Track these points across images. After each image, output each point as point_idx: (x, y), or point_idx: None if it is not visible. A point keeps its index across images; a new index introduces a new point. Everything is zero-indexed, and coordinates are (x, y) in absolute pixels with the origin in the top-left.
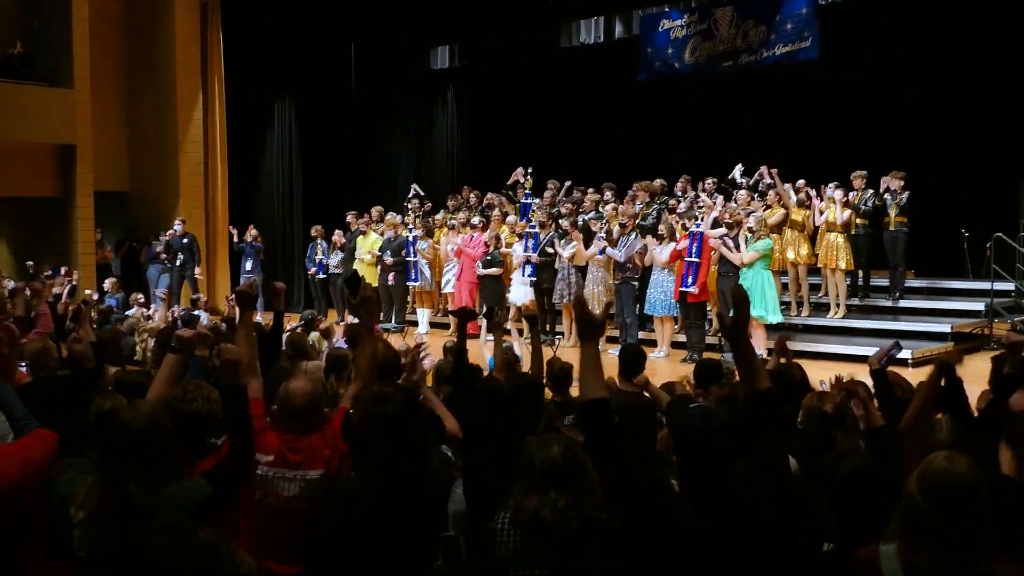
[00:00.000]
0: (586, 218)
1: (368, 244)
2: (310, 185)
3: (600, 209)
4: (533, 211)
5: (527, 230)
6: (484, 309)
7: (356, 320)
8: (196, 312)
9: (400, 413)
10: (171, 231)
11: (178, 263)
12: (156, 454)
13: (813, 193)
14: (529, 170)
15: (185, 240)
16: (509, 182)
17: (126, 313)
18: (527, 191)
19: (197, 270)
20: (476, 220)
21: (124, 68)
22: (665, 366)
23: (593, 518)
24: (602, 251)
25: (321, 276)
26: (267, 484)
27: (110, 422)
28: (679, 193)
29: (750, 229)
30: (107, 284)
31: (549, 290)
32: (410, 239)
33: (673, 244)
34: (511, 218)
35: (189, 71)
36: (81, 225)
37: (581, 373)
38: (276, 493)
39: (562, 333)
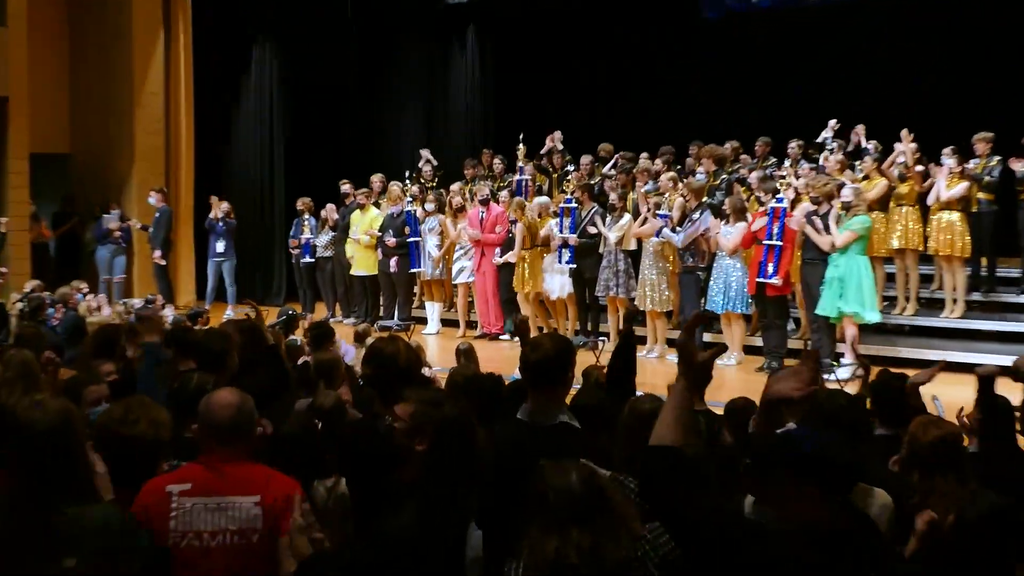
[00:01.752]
0: (643, 190)
1: (366, 222)
2: (295, 148)
3: (656, 182)
4: (568, 181)
5: (563, 205)
6: (506, 324)
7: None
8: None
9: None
10: (154, 202)
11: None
12: (61, 465)
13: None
14: (556, 139)
15: (158, 215)
16: (543, 151)
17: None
18: (521, 165)
19: (157, 253)
20: (484, 193)
21: (68, 2)
22: (736, 377)
23: (628, 561)
24: (658, 233)
25: (307, 260)
26: (185, 520)
27: (9, 422)
28: (754, 160)
29: (845, 205)
30: (28, 286)
31: (592, 280)
32: (416, 213)
33: (743, 224)
34: (541, 199)
35: (147, 6)
36: (13, 195)
37: (663, 414)
38: (198, 531)
39: (607, 335)
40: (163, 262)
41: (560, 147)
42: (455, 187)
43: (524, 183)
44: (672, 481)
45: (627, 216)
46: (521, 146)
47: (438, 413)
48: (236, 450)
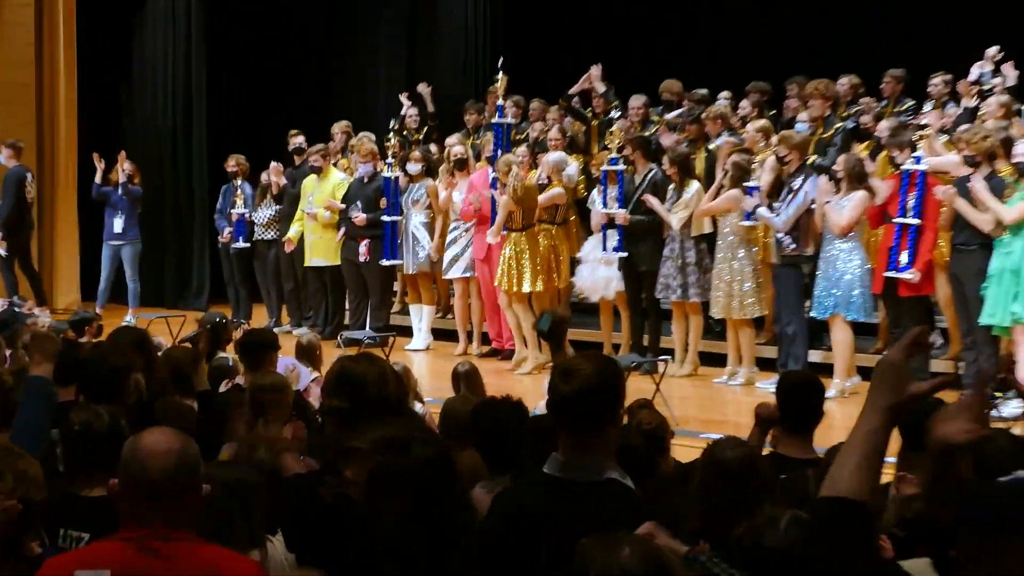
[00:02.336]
0: (721, 143)
1: (326, 191)
2: (223, 86)
3: (739, 132)
4: (611, 133)
5: (606, 167)
6: (542, 319)
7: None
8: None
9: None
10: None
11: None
12: None
13: None
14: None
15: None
16: (574, 90)
17: None
18: (500, 104)
19: None
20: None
21: None
22: (847, 411)
23: None
24: (751, 213)
25: (240, 245)
26: None
27: None
28: (881, 103)
29: (1020, 168)
30: None
31: (650, 275)
32: (395, 179)
33: (862, 195)
34: (553, 156)
35: None
36: None
37: (844, 456)
38: None
39: (670, 352)
40: (2, 252)
41: (601, 87)
42: (453, 140)
43: (503, 131)
44: (851, 548)
45: (694, 186)
46: (500, 76)
47: (407, 462)
48: (176, 517)
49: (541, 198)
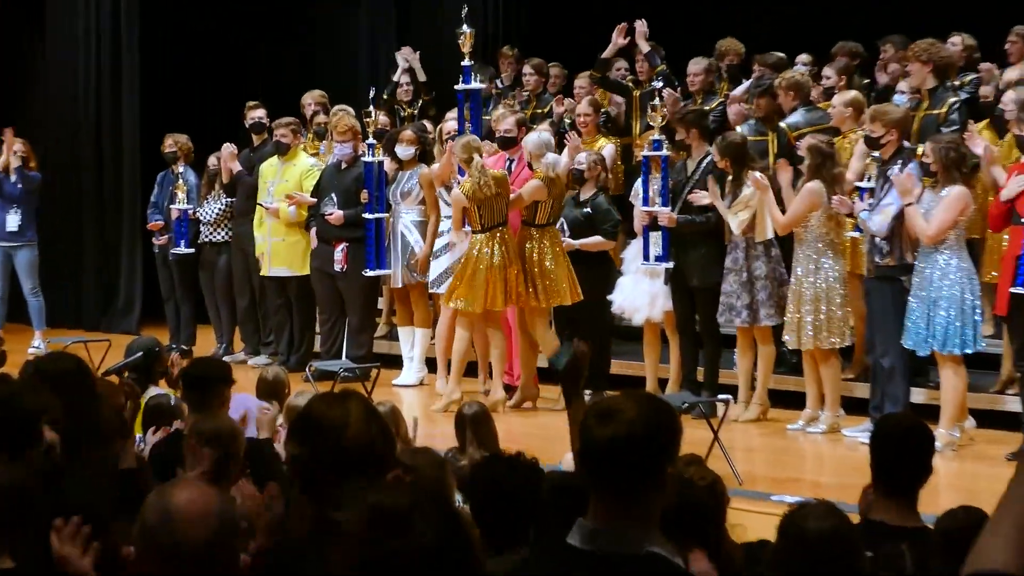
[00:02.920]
0: (798, 115)
1: (291, 179)
2: (162, 48)
3: (822, 105)
4: (652, 108)
5: (647, 152)
6: (558, 354)
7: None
8: None
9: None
10: None
11: None
12: None
13: None
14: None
15: None
16: (608, 52)
17: None
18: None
19: None
20: (509, 124)
21: None
22: (957, 468)
23: None
24: (856, 216)
25: (181, 250)
26: None
27: None
28: (1002, 69)
29: None
30: None
31: (704, 292)
32: (379, 164)
33: (960, 191)
34: (535, 136)
35: None
36: None
37: (996, 522)
38: None
39: (733, 390)
40: None
41: (645, 46)
42: (452, 115)
43: (468, 101)
44: None
45: (745, 190)
46: (465, 30)
47: (408, 545)
48: None
49: (524, 192)
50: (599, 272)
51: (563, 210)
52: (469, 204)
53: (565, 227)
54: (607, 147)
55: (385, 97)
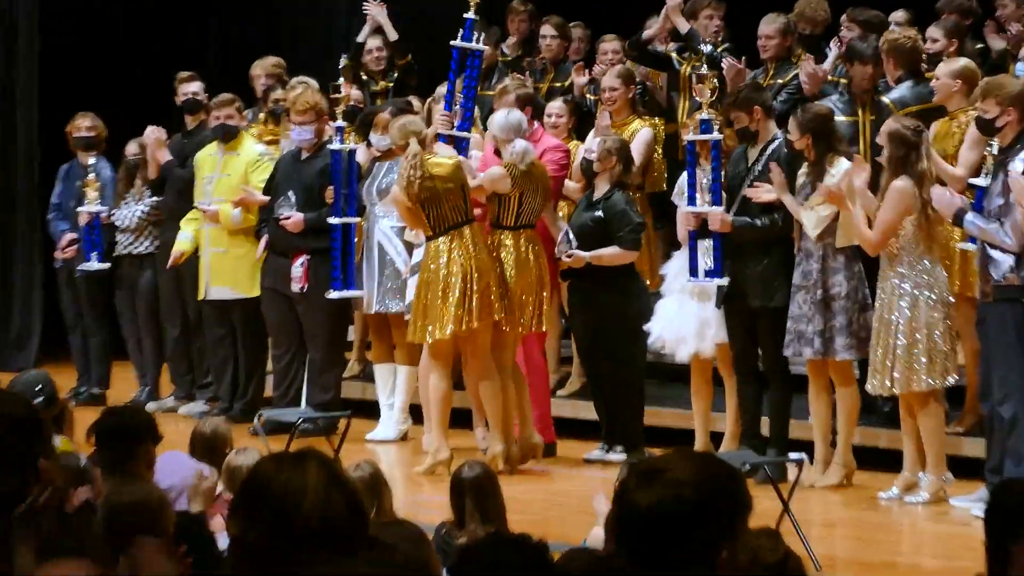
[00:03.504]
0: (904, 89)
1: (236, 171)
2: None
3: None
4: (702, 80)
5: (692, 136)
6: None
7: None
8: None
9: None
10: None
11: None
12: None
13: None
14: None
15: None
16: (650, 32)
17: None
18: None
19: None
20: (509, 100)
21: None
22: None
23: None
24: (958, 220)
25: (93, 265)
26: None
27: None
28: None
29: None
30: None
31: (769, 316)
32: (348, 152)
33: None
34: (644, 132)
35: None
36: None
37: None
38: None
39: (806, 447)
40: None
41: (683, 24)
42: (444, 90)
43: (464, 59)
44: None
45: (843, 166)
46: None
47: None
48: None
49: (476, 184)
50: (623, 293)
51: (573, 214)
52: (412, 204)
53: (571, 236)
54: (642, 131)
55: (346, 63)
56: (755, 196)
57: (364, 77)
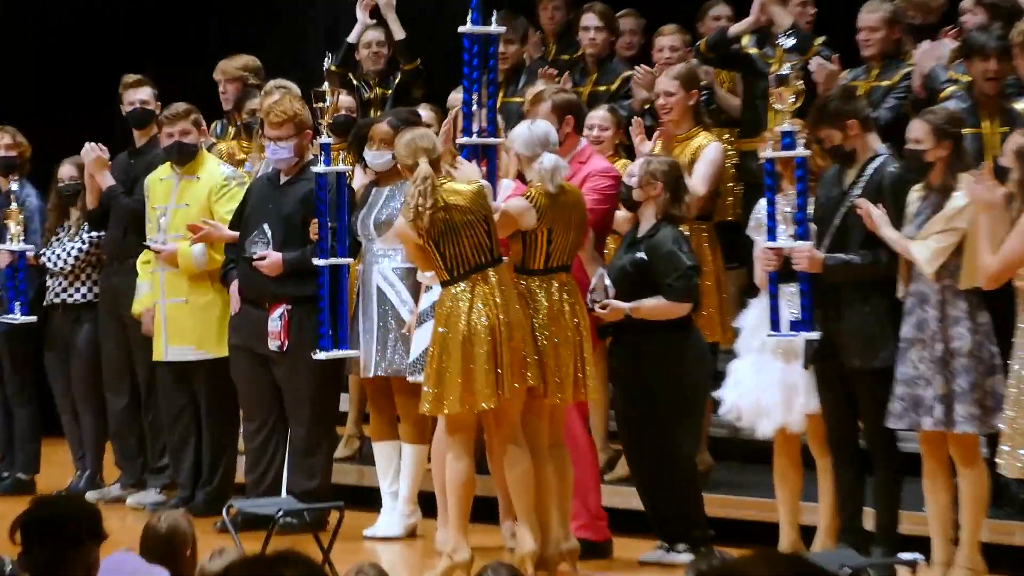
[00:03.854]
0: None
1: (197, 198)
2: None
3: None
4: (783, 82)
5: (770, 153)
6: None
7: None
8: None
9: None
10: None
11: None
12: None
13: None
14: None
15: None
16: (737, 29)
17: None
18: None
19: None
20: (556, 101)
21: None
22: None
23: None
24: None
25: (15, 317)
26: None
27: None
28: None
29: None
30: None
31: (870, 380)
32: (329, 173)
33: None
34: (712, 150)
35: None
36: None
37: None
38: None
39: (922, 544)
40: None
41: (786, 18)
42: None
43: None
44: None
45: (955, 200)
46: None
47: None
48: None
49: (509, 207)
50: (674, 354)
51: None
52: (422, 241)
53: (608, 282)
54: (710, 147)
55: (333, 68)
56: (869, 220)
57: (355, 83)
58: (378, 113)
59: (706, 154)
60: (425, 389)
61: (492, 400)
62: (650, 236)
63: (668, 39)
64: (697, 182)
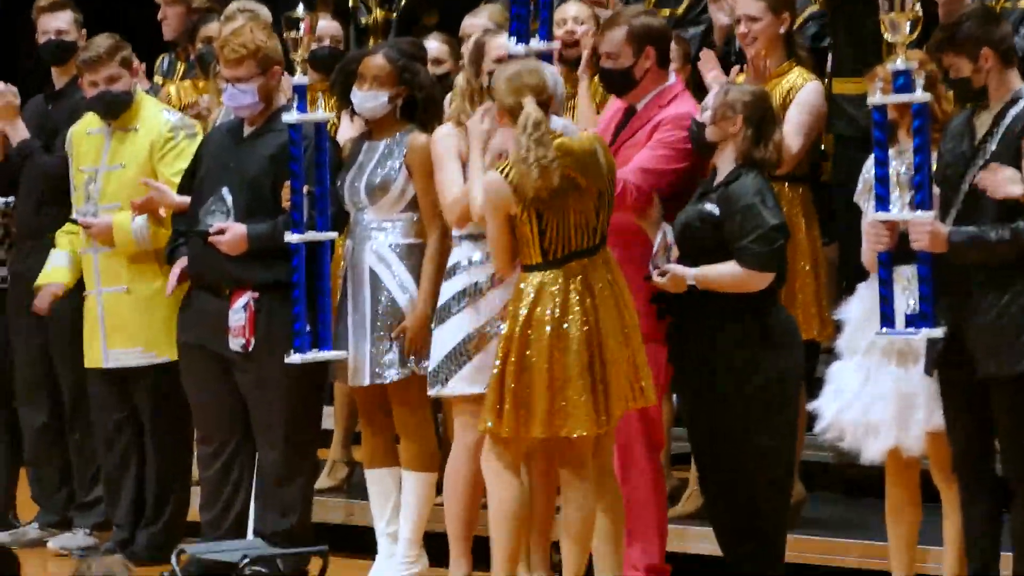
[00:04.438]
0: None
1: (137, 157)
2: None
3: None
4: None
5: (879, 99)
6: None
7: None
8: None
9: None
10: None
11: None
12: None
13: None
14: None
15: None
16: None
17: None
18: None
19: None
20: (616, 36)
21: None
22: None
23: None
24: None
25: None
26: None
27: None
28: None
29: None
30: None
31: (1010, 391)
32: (303, 122)
33: None
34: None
35: None
36: None
37: None
38: None
39: None
40: None
41: None
42: (482, 17)
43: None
44: None
45: None
46: None
47: None
48: None
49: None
50: (752, 343)
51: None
52: (518, 209)
53: (671, 241)
54: (807, 87)
55: None
56: (990, 189)
57: (351, 3)
58: (373, 44)
59: (802, 97)
60: (493, 403)
61: (591, 427)
62: (726, 185)
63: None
64: (790, 132)
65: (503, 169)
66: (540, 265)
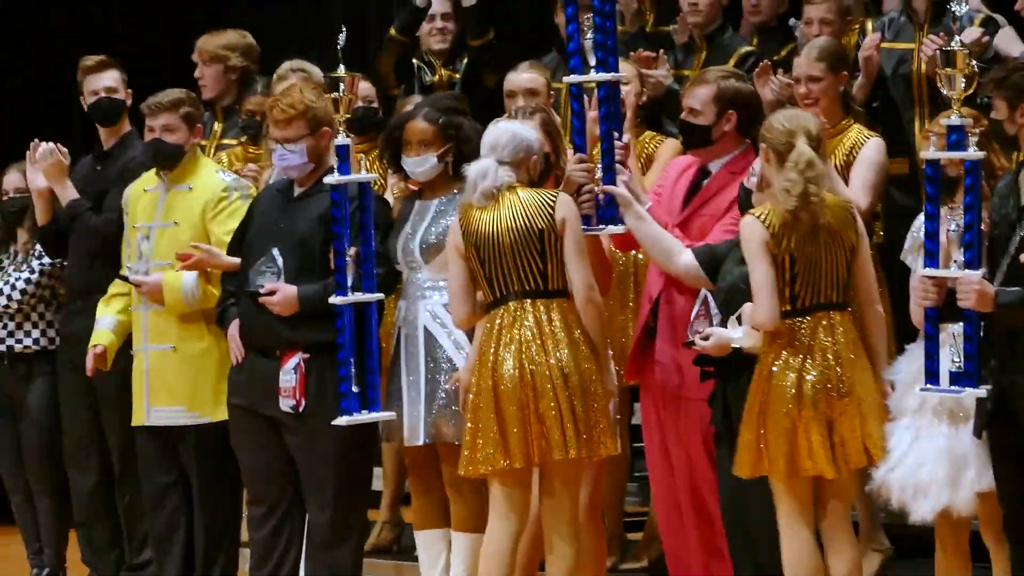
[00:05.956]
0: None
1: (190, 216)
2: None
3: None
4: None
5: (932, 152)
6: None
7: None
8: None
9: None
10: None
11: None
12: None
13: None
14: None
15: None
16: None
17: None
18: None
19: None
20: (703, 93)
21: None
22: None
23: None
24: None
25: None
26: None
27: None
28: None
29: None
30: None
31: None
32: (346, 184)
33: None
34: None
35: None
36: None
37: None
38: None
39: None
40: None
41: None
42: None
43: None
44: None
45: None
46: None
47: None
48: None
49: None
50: None
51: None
52: (776, 250)
53: (712, 305)
54: (870, 144)
55: (393, 36)
56: None
57: (411, 58)
58: (416, 104)
59: (866, 154)
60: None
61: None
62: None
63: (818, 9)
64: (858, 190)
65: (761, 215)
66: (790, 312)
